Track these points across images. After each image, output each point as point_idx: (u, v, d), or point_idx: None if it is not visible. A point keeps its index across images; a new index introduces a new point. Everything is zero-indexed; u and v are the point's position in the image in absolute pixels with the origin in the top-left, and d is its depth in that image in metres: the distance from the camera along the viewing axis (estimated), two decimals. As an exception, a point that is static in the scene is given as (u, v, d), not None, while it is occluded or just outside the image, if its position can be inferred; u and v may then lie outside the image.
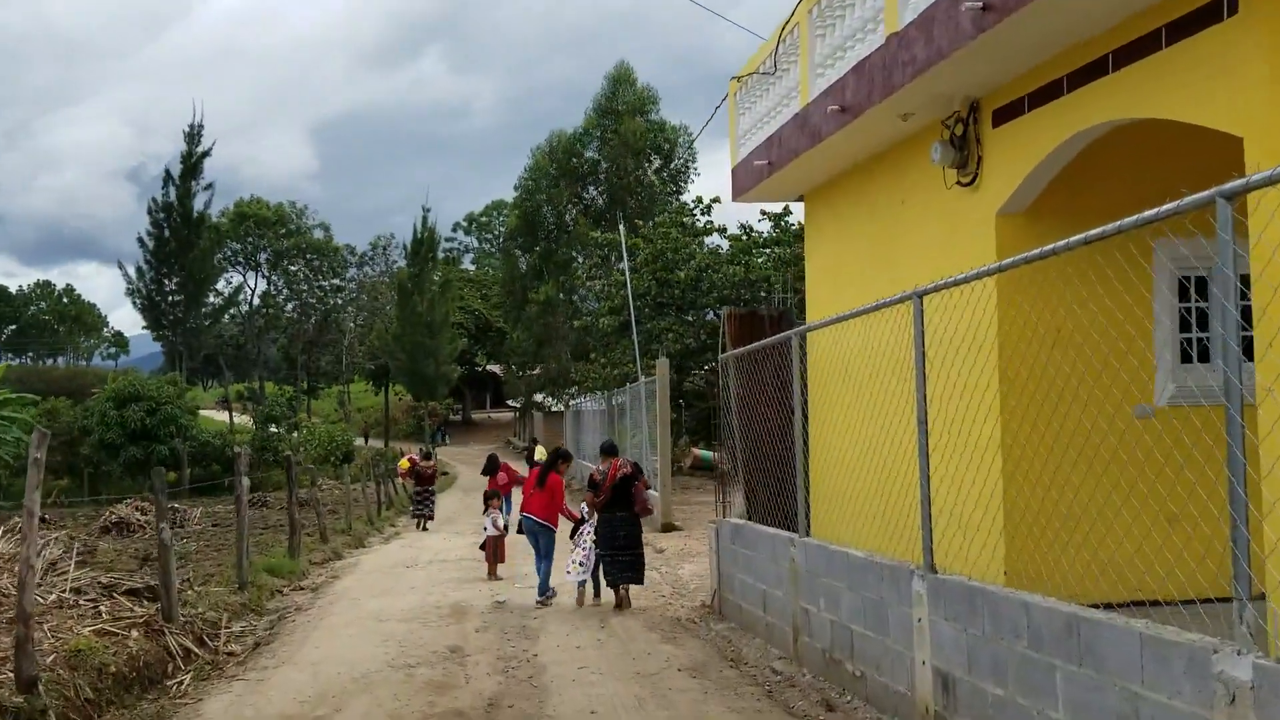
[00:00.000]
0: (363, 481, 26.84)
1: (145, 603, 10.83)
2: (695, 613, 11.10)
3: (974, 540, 6.29)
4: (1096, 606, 5.14)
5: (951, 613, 5.86)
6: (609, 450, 12.17)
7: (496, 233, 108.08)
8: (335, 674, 8.49)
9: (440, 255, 67.12)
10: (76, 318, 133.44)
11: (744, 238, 29.83)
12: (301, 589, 14.48)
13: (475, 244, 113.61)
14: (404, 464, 24.67)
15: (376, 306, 69.77)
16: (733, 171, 11.16)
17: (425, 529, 23.73)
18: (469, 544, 19.34)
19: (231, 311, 71.01)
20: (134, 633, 9.60)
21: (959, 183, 7.21)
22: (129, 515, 25.29)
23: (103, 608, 10.32)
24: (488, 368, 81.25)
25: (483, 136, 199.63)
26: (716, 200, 30.29)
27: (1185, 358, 7.24)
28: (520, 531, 12.61)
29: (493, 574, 14.38)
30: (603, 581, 11.79)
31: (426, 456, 24.89)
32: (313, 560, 17.25)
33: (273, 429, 49.82)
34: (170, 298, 46.57)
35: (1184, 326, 7.18)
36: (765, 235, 29.87)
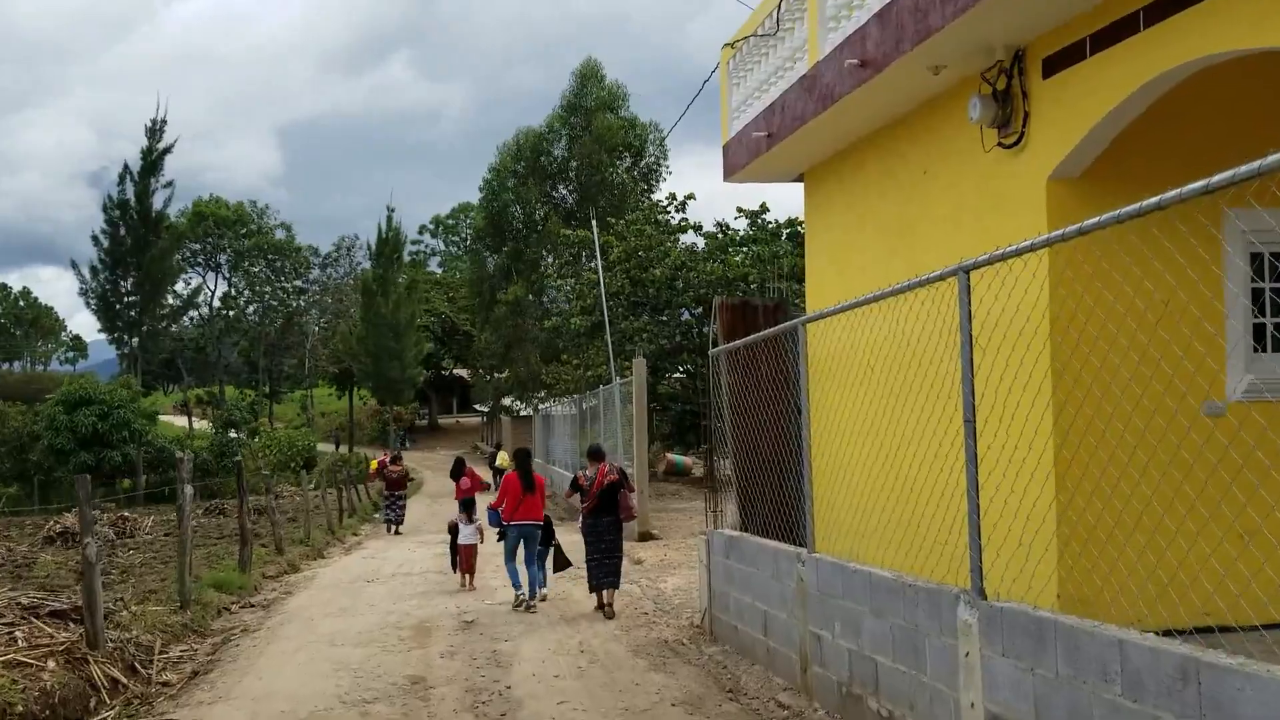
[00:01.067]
0: (323, 488, 25.59)
1: (71, 626, 9.69)
2: (684, 633, 10.10)
3: (1019, 558, 5.36)
4: (1155, 633, 4.24)
5: (1012, 648, 4.90)
6: (596, 454, 11.95)
7: (463, 235, 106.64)
8: (278, 713, 7.40)
9: (407, 258, 65.75)
10: (34, 321, 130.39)
11: (720, 235, 28.91)
12: (252, 606, 13.35)
13: (442, 247, 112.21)
14: (373, 464, 23.71)
15: (340, 309, 68.22)
16: (724, 148, 10.17)
17: (398, 533, 22.71)
18: (435, 554, 18.24)
19: (191, 314, 69.29)
20: (51, 663, 8.49)
21: (1000, 144, 6.27)
22: (75, 525, 23.92)
23: (19, 633, 9.16)
24: (455, 372, 79.89)
25: (450, 142, 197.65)
26: (691, 197, 29.33)
27: (1261, 344, 6.33)
28: (501, 539, 12.42)
29: (469, 585, 13.76)
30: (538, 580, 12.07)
31: (395, 460, 24.00)
32: (266, 574, 16.11)
33: (232, 434, 48.33)
34: (126, 299, 44.90)
35: (1261, 309, 6.27)
36: (742, 233, 28.99)
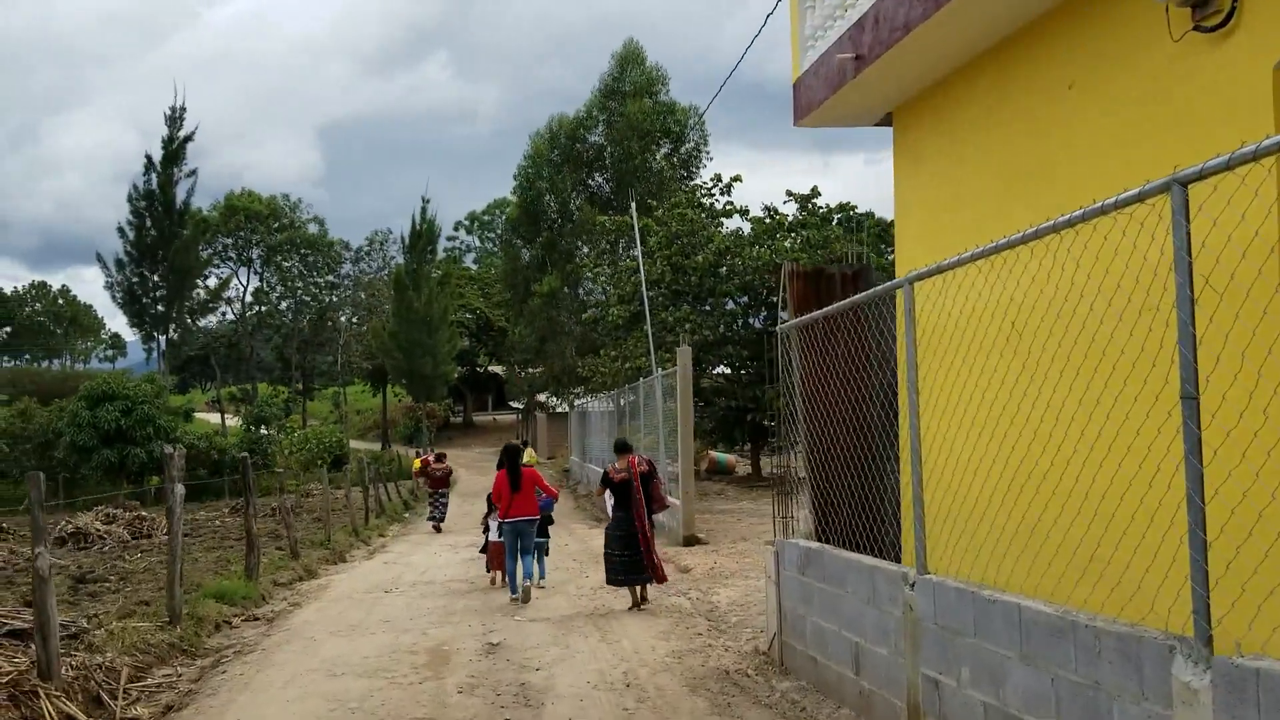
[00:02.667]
0: (347, 486, 24.24)
1: (34, 647, 8.30)
2: (747, 661, 8.51)
3: (1264, 589, 3.75)
4: None
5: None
6: (623, 448, 11.93)
7: (499, 231, 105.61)
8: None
9: (441, 254, 64.52)
10: (73, 319, 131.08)
11: (768, 219, 27.26)
12: (255, 619, 11.94)
13: (477, 243, 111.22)
14: (416, 464, 23.27)
15: (374, 304, 67.07)
16: (795, 86, 8.55)
17: (438, 530, 22.17)
18: (462, 560, 16.78)
19: (223, 310, 68.45)
20: (-8, 698, 7.08)
21: (1199, 28, 4.65)
22: (88, 525, 22.78)
23: (-35, 659, 7.79)
24: (489, 368, 78.67)
25: (485, 141, 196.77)
26: (738, 179, 27.56)
27: None
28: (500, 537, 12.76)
29: (501, 583, 13.23)
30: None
31: (439, 458, 23.58)
32: (278, 580, 14.71)
33: (263, 431, 47.34)
34: (153, 291, 43.81)
35: None
36: (791, 218, 27.33)
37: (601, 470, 13.15)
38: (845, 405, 8.10)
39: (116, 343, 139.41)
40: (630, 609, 11.13)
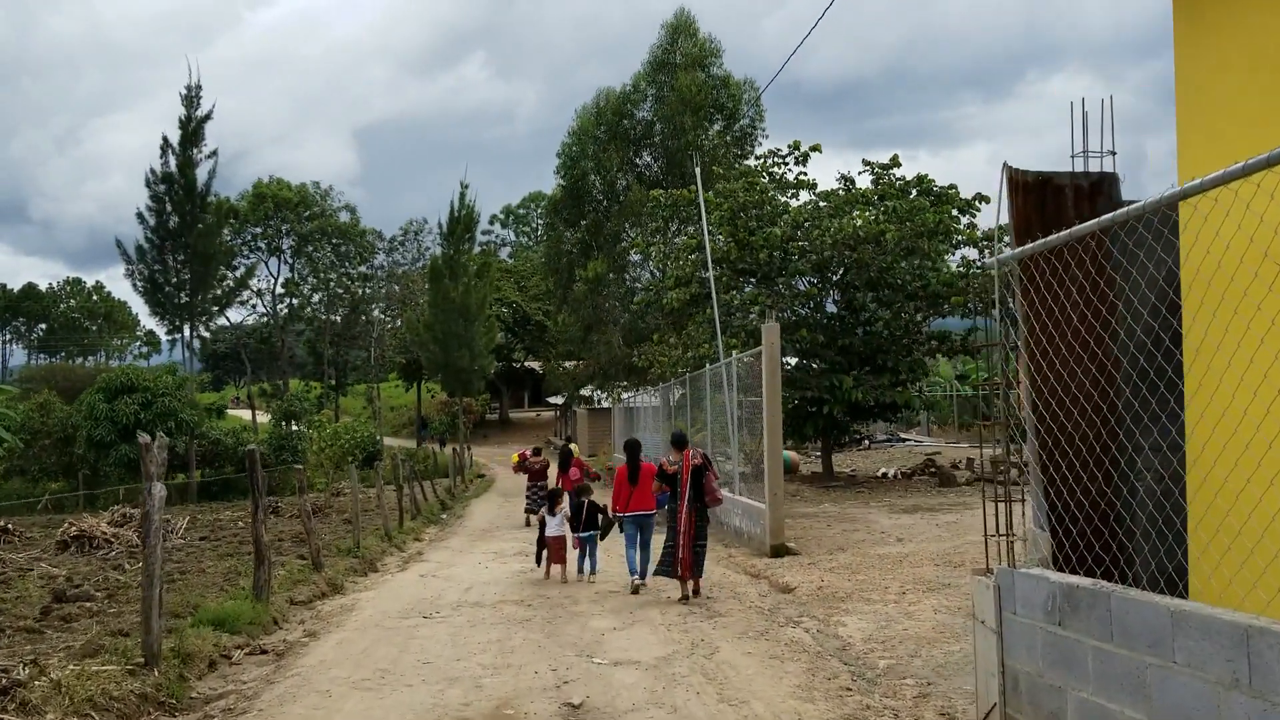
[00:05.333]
0: (378, 486, 21.84)
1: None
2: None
3: None
4: None
5: None
6: (680, 441, 11.93)
7: (534, 225, 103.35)
8: None
9: (477, 248, 62.13)
10: (107, 316, 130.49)
11: (844, 191, 24.57)
12: (263, 651, 9.51)
13: (513, 237, 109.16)
14: (514, 459, 23.40)
15: (408, 296, 64.77)
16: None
17: (529, 524, 21.22)
18: (512, 573, 14.32)
19: (253, 302, 66.44)
20: None
21: None
22: (92, 528, 20.49)
23: None
24: (527, 364, 76.34)
25: (522, 141, 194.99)
26: (816, 148, 24.65)
27: None
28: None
29: (556, 575, 13.39)
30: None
31: (536, 452, 23.17)
32: (295, 598, 12.32)
33: (293, 426, 45.19)
34: (175, 279, 41.56)
35: None
36: (867, 190, 24.61)
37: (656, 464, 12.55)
38: (1084, 373, 5.57)
39: (151, 339, 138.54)
40: (680, 600, 11.14)
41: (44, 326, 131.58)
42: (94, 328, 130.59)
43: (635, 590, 11.90)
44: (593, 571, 13.23)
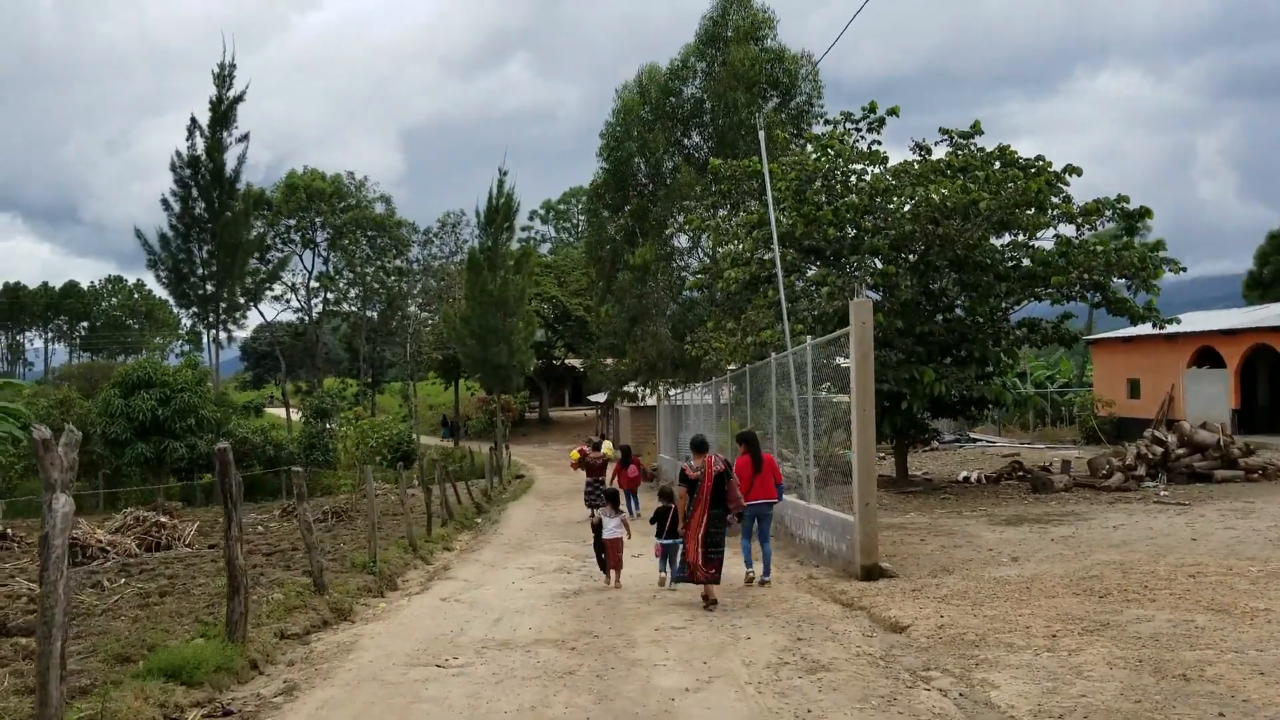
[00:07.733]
0: (402, 489, 19.62)
1: None
2: None
3: None
4: None
5: None
6: (700, 446, 11.43)
7: (575, 220, 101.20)
8: None
9: (515, 244, 60.02)
10: (148, 314, 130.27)
11: (920, 162, 21.99)
12: (227, 715, 7.23)
13: (552, 233, 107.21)
14: (574, 455, 22.84)
15: (444, 291, 62.73)
16: None
17: (594, 517, 19.12)
18: (551, 595, 12.01)
19: (287, 297, 64.73)
20: None
21: None
22: (86, 535, 18.40)
23: None
24: (567, 361, 74.16)
25: (564, 140, 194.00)
26: (894, 112, 21.95)
27: None
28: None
29: (615, 583, 12.92)
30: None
31: (595, 447, 23.14)
32: (288, 630, 10.07)
33: (325, 425, 43.28)
34: (200, 269, 39.61)
35: None
36: (946, 159, 22.01)
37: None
38: None
39: (193, 337, 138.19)
40: (704, 607, 10.76)
41: (85, 325, 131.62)
42: (135, 326, 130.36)
43: (749, 582, 12.13)
44: (674, 580, 12.22)
